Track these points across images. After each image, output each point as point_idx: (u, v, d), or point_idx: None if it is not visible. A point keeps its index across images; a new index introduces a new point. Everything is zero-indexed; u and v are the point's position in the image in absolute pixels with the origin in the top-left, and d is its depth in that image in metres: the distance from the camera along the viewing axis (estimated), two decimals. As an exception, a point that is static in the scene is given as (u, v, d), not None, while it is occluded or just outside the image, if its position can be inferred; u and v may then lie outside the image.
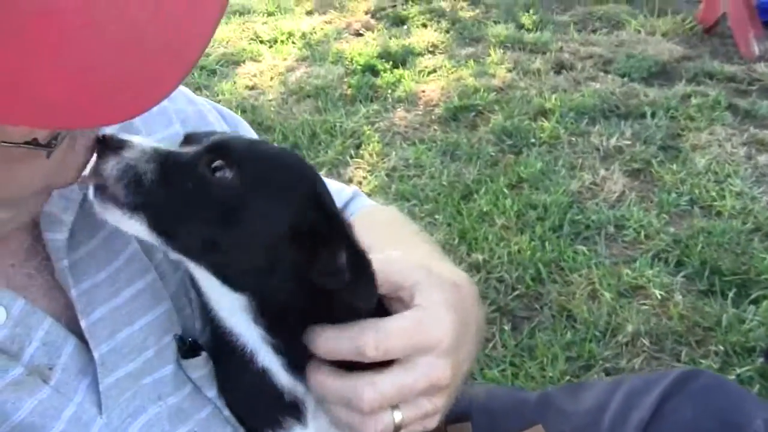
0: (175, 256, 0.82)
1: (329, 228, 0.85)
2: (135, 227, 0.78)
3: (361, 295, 0.85)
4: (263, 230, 0.82)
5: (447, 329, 0.88)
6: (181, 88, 1.13)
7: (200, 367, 0.93)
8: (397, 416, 0.87)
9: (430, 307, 0.88)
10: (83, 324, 0.82)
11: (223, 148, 0.82)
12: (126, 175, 0.76)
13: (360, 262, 0.84)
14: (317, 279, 0.83)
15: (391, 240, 1.04)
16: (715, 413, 1.28)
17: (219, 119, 1.18)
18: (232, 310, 0.86)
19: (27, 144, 0.62)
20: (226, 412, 0.96)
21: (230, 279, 0.82)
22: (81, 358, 0.83)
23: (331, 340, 0.86)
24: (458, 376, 0.93)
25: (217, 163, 0.80)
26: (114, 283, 0.87)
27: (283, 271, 0.83)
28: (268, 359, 0.89)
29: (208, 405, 0.94)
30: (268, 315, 0.85)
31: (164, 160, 0.79)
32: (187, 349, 0.93)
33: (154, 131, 1.01)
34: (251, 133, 1.24)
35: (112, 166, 0.76)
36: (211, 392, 0.95)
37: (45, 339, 0.80)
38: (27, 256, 0.85)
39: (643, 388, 1.36)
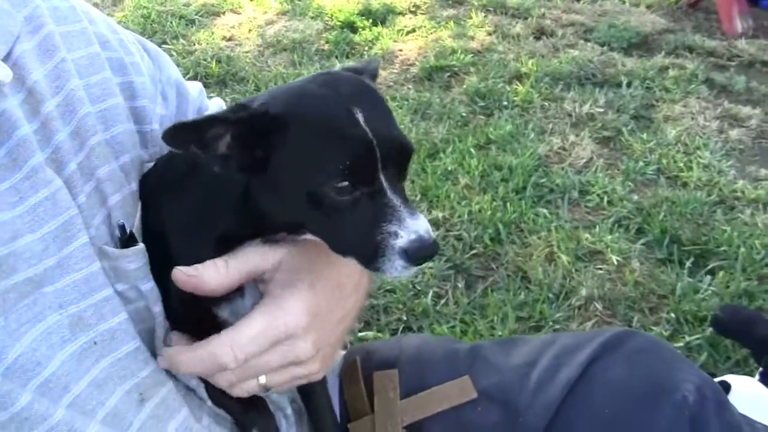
0: None
1: None
2: None
3: None
4: None
5: (301, 311, 0.94)
6: (106, 17, 1.15)
7: (137, 258, 0.95)
8: (262, 380, 0.97)
9: (281, 295, 0.95)
10: None
11: None
12: None
13: None
14: None
15: None
16: (645, 375, 1.27)
17: (140, 50, 1.18)
18: None
19: None
20: (158, 313, 1.00)
21: None
22: None
23: (191, 361, 0.93)
24: (329, 340, 1.02)
25: None
26: (17, 193, 0.85)
27: None
28: None
29: (120, 313, 0.94)
30: None
31: None
32: (127, 238, 0.96)
33: (74, 49, 1.01)
34: (172, 68, 1.25)
35: None
36: (146, 285, 0.97)
37: None
38: None
39: (575, 347, 1.34)
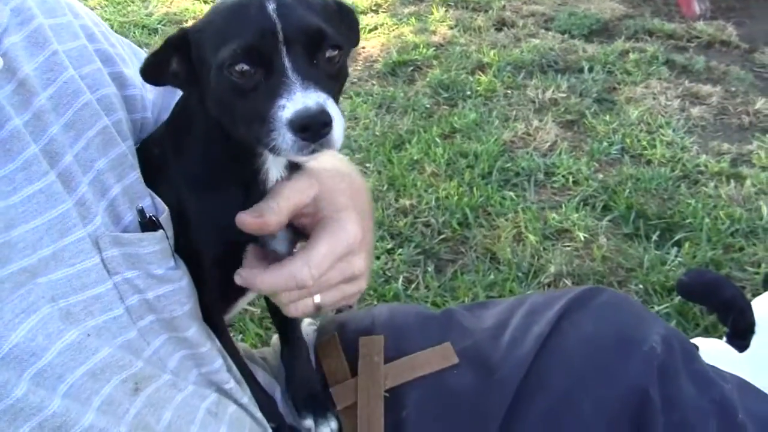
0: None
1: None
2: None
3: None
4: None
5: (355, 230, 1.04)
6: (88, 10, 1.18)
7: (156, 242, 1.00)
8: (317, 299, 1.04)
9: (337, 217, 1.04)
10: None
11: None
12: None
13: None
14: None
15: None
16: (614, 328, 1.30)
17: (120, 42, 1.23)
18: None
19: None
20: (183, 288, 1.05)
21: None
22: None
23: (272, 280, 0.99)
24: (370, 256, 1.12)
25: None
26: (10, 183, 0.86)
27: None
28: None
29: (111, 311, 0.95)
30: None
31: None
32: (146, 222, 1.00)
33: (64, 41, 1.02)
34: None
35: None
36: (160, 269, 1.01)
37: None
38: None
39: (545, 305, 1.37)
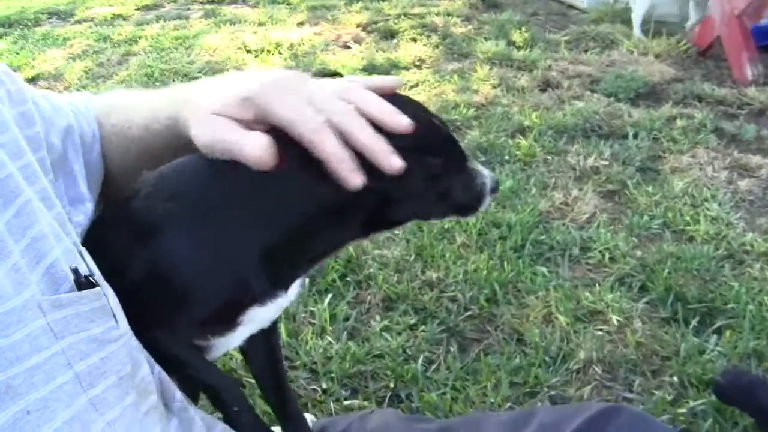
0: None
1: None
2: None
3: None
4: None
5: None
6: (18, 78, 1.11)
7: (94, 299, 0.92)
8: None
9: None
10: None
11: None
12: None
13: None
14: None
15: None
16: None
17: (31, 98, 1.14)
18: None
19: None
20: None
21: None
22: None
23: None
24: None
25: None
26: None
27: None
28: None
29: (53, 380, 0.87)
30: None
31: None
32: (83, 281, 0.93)
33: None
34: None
35: None
36: (100, 328, 0.93)
37: None
38: None
39: (555, 424, 1.24)
